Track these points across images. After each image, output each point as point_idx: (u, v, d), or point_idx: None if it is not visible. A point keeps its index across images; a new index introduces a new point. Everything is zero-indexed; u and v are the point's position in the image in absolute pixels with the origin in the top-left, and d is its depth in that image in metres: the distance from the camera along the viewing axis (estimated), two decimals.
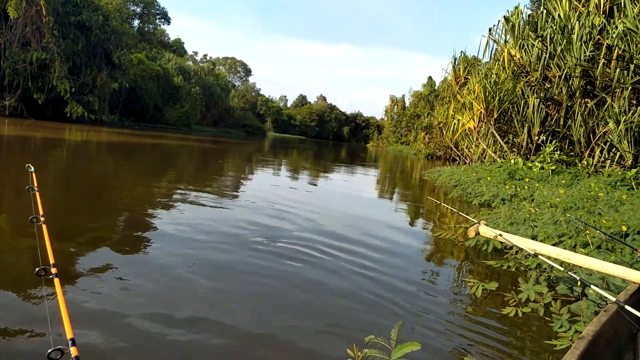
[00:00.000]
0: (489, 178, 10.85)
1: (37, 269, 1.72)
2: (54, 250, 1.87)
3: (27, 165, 2.93)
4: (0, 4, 28.36)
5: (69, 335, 1.38)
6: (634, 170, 8.47)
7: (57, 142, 16.81)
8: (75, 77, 31.99)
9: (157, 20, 63.00)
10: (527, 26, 15.18)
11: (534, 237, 4.74)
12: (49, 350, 1.30)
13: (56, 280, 1.66)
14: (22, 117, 29.44)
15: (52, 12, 29.22)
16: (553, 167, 11.04)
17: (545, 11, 14.34)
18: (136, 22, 58.35)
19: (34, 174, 2.76)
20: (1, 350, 2.11)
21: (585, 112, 11.88)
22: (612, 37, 11.24)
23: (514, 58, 15.09)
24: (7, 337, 2.24)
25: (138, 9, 58.92)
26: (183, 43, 69.36)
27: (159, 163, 13.78)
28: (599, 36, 11.85)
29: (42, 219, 2.14)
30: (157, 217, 5.49)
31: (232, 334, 2.60)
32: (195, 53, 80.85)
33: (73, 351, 1.32)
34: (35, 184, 2.60)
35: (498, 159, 14.66)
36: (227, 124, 67.20)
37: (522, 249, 3.71)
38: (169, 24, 66.70)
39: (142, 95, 43.28)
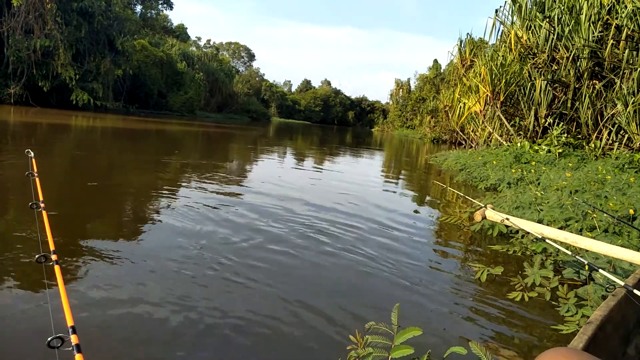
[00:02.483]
0: (495, 162, 10.76)
1: (37, 256, 1.71)
2: (54, 237, 1.85)
3: (26, 150, 2.91)
4: None
5: (69, 323, 1.37)
6: None
7: (62, 128, 16.83)
8: (78, 64, 31.91)
9: (160, 6, 62.55)
10: (534, 7, 14.88)
11: (539, 221, 4.70)
12: (49, 338, 1.29)
13: (56, 268, 1.65)
14: (28, 105, 29.51)
15: None
16: (560, 150, 10.92)
17: None
18: (138, 8, 57.95)
19: (33, 160, 2.74)
20: (1, 338, 2.12)
21: (593, 94, 11.71)
22: (621, 17, 11.00)
23: (521, 39, 14.84)
24: (7, 325, 2.24)
25: None
26: (186, 28, 69.03)
27: (165, 149, 13.77)
28: (607, 16, 11.61)
29: (42, 205, 2.12)
30: (163, 202, 5.48)
31: (236, 319, 2.60)
32: (199, 38, 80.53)
33: (73, 339, 1.31)
34: (35, 170, 2.58)
35: (504, 143, 14.52)
36: (231, 110, 67.06)
37: (529, 232, 3.67)
38: (171, 9, 66.26)
39: (146, 81, 43.19)
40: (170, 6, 63.67)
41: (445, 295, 3.31)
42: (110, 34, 34.56)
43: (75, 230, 3.96)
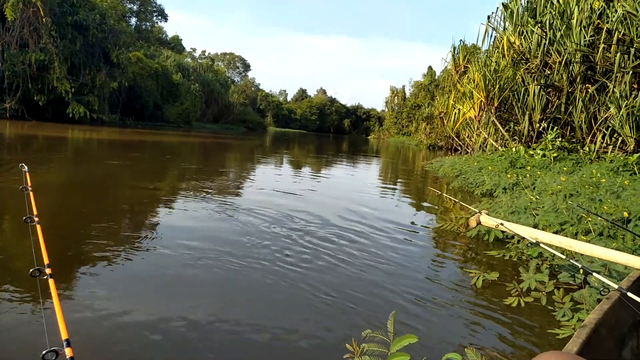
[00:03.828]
0: (490, 167, 10.80)
1: (31, 270, 1.71)
2: (48, 251, 1.86)
3: (20, 164, 2.92)
4: None
5: (63, 336, 1.38)
6: (636, 155, 8.40)
7: (59, 142, 16.81)
8: (74, 77, 31.96)
9: (154, 18, 62.84)
10: (525, 12, 15.05)
11: (535, 226, 4.72)
12: (44, 352, 1.30)
13: (51, 281, 1.65)
14: (23, 119, 29.48)
15: (49, 12, 29.13)
16: (555, 154, 10.98)
17: None
18: (133, 20, 58.20)
19: (27, 174, 2.75)
20: None
21: (586, 98, 11.80)
22: (612, 21, 11.13)
23: (514, 45, 14.98)
24: (1, 338, 2.24)
25: (135, 7, 58.76)
26: (181, 40, 69.26)
27: (162, 160, 13.76)
28: (598, 20, 11.74)
29: (36, 219, 2.13)
30: (159, 213, 5.48)
31: (232, 331, 2.59)
32: (194, 50, 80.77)
33: (68, 352, 1.31)
34: (29, 184, 2.58)
35: (499, 148, 14.60)
36: (227, 120, 67.13)
37: (524, 237, 3.69)
38: (166, 21, 66.77)
39: (142, 93, 43.23)
40: (164, 18, 64.05)
41: (441, 301, 3.32)
42: (105, 47, 34.63)
43: (69, 243, 3.95)
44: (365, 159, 23.17)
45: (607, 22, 11.33)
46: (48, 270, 1.70)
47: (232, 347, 2.43)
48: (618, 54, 10.70)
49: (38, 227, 2.05)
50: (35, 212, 2.20)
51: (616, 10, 11.02)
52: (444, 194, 7.27)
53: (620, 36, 10.86)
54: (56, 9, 29.93)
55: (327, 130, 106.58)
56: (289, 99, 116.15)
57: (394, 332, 2.04)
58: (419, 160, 22.43)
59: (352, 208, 6.94)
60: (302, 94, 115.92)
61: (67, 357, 1.30)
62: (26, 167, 2.85)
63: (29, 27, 29.00)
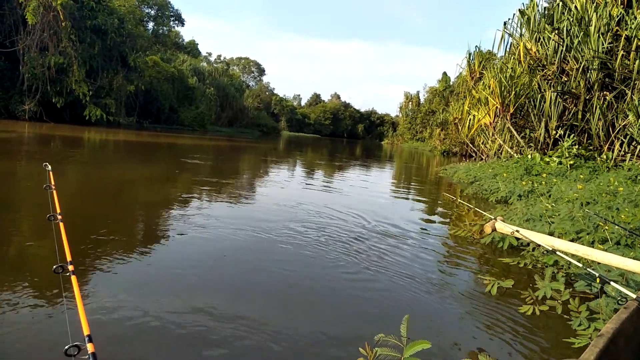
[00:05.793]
0: (505, 174, 10.71)
1: (54, 267, 1.76)
2: (71, 248, 1.90)
3: (44, 163, 2.99)
4: (19, 9, 28.96)
5: (85, 331, 1.41)
6: None
7: (77, 143, 17.08)
8: (92, 80, 32.49)
9: (171, 22, 63.58)
10: (542, 19, 14.93)
11: (551, 234, 4.67)
12: (66, 347, 1.33)
13: (73, 278, 1.69)
14: (42, 121, 30.03)
15: (68, 17, 29.69)
16: (571, 162, 10.84)
17: (561, 3, 14.08)
18: (151, 25, 59.02)
19: (51, 173, 2.81)
20: (20, 347, 2.16)
21: (604, 105, 11.65)
22: (630, 28, 10.99)
23: (530, 51, 14.86)
24: (26, 333, 2.29)
25: (152, 12, 59.60)
26: (197, 44, 69.84)
27: (178, 162, 13.90)
28: (617, 27, 11.60)
29: (59, 217, 2.18)
30: (179, 213, 5.54)
31: (251, 328, 2.61)
32: (209, 54, 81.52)
33: (90, 347, 1.34)
34: (53, 182, 2.64)
35: (515, 155, 14.46)
36: (241, 124, 67.65)
37: (540, 245, 3.66)
38: (183, 26, 67.40)
39: (158, 97, 43.75)
40: (181, 23, 64.77)
41: (455, 308, 3.30)
42: (122, 51, 35.19)
43: (92, 241, 4.02)
44: (379, 163, 23.12)
45: (626, 29, 11.19)
46: (71, 267, 1.74)
47: (248, 346, 2.45)
48: (637, 61, 10.56)
49: (61, 224, 2.10)
50: (58, 210, 2.26)
51: (635, 17, 10.88)
52: (459, 200, 7.23)
53: (639, 43, 10.72)
54: (76, 13, 30.49)
55: (341, 135, 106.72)
56: (302, 103, 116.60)
57: (407, 337, 2.04)
58: (433, 166, 22.31)
59: (366, 212, 6.94)
60: (316, 98, 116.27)
61: (89, 352, 1.33)
62: (49, 166, 2.92)
63: (49, 30, 29.60)
